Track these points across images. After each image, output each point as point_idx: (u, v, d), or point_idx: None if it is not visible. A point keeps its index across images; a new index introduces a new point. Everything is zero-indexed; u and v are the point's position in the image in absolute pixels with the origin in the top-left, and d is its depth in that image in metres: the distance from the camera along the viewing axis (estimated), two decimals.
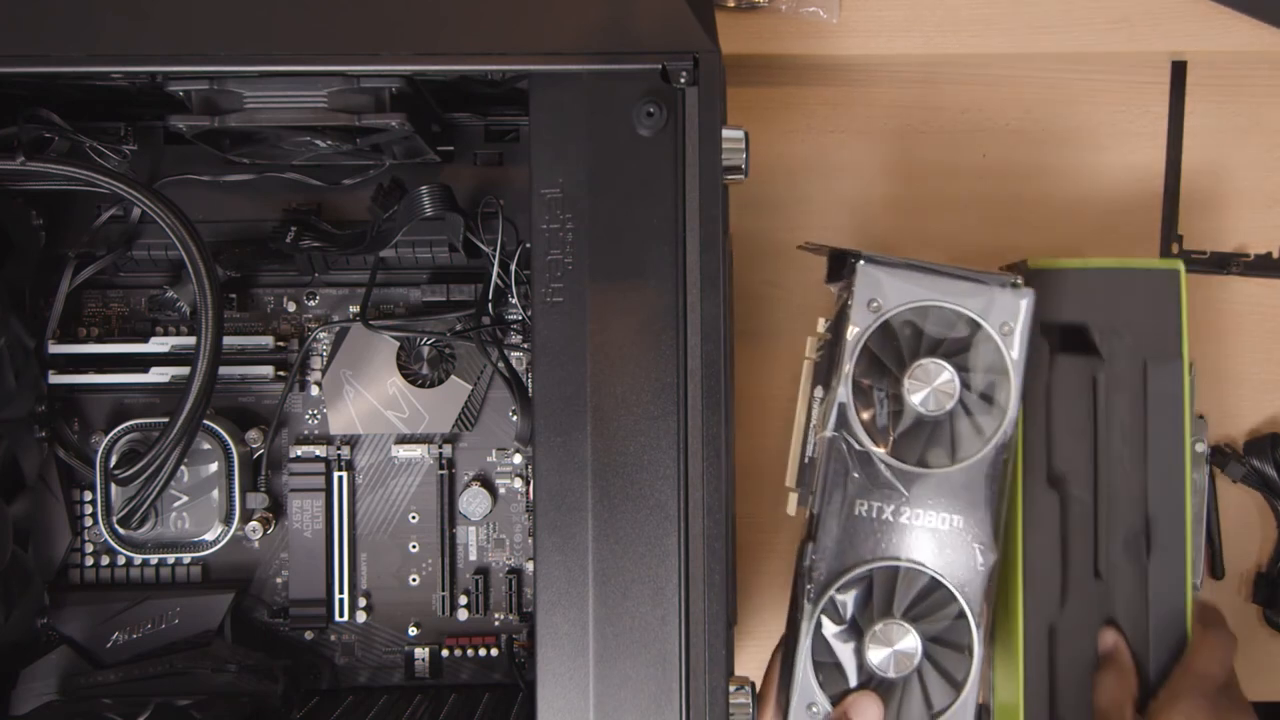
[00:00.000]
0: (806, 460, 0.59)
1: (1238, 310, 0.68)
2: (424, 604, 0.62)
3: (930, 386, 0.54)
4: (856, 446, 0.54)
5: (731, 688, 0.48)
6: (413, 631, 0.62)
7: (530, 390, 0.58)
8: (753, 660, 0.68)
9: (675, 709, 0.47)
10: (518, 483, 0.62)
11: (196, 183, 0.58)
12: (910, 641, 0.53)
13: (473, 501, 0.62)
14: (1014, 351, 0.54)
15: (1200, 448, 0.65)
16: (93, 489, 0.59)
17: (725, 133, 0.48)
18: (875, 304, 0.54)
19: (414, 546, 0.62)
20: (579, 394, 0.48)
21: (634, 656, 0.47)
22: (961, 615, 0.54)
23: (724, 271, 0.48)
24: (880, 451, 0.54)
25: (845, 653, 0.54)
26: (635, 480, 0.47)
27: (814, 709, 0.54)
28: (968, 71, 0.67)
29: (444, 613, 0.62)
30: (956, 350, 0.54)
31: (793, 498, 0.60)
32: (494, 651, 0.62)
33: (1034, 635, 0.58)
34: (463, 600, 0.62)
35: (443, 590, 0.62)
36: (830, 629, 0.54)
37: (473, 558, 0.63)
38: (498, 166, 0.60)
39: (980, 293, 0.54)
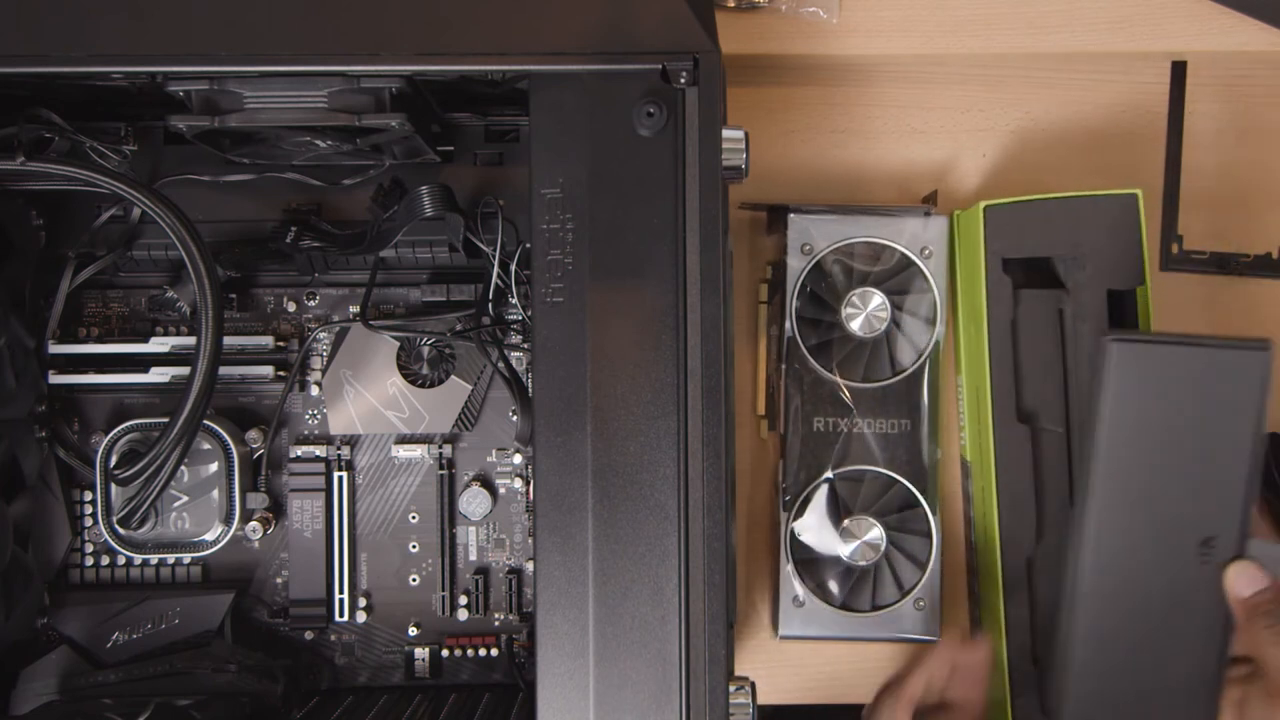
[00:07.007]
0: (770, 390, 0.66)
1: (1238, 310, 0.68)
2: (424, 604, 0.62)
3: (865, 312, 0.61)
4: (806, 372, 0.62)
5: (731, 688, 0.48)
6: (413, 631, 0.62)
7: (530, 390, 0.58)
8: (753, 660, 0.68)
9: (675, 709, 0.47)
10: (518, 483, 0.62)
11: (196, 183, 0.58)
12: (876, 533, 0.61)
13: (473, 501, 0.62)
14: (935, 271, 0.62)
15: None
16: (93, 489, 0.59)
17: (725, 133, 0.48)
18: (807, 247, 0.62)
19: (414, 546, 0.62)
20: (579, 394, 0.48)
21: (634, 656, 0.47)
22: (918, 504, 0.62)
23: (724, 271, 0.48)
24: (826, 374, 0.62)
25: (820, 549, 0.62)
26: (635, 480, 0.47)
27: (798, 600, 0.62)
28: (968, 71, 0.66)
29: (444, 613, 0.62)
30: (886, 278, 0.62)
31: (764, 424, 0.67)
32: (494, 651, 0.62)
33: (1012, 570, 0.59)
34: (463, 600, 0.62)
35: (443, 590, 0.62)
36: (804, 532, 0.62)
37: (473, 558, 0.62)
38: (498, 166, 0.60)
39: (898, 224, 0.62)
